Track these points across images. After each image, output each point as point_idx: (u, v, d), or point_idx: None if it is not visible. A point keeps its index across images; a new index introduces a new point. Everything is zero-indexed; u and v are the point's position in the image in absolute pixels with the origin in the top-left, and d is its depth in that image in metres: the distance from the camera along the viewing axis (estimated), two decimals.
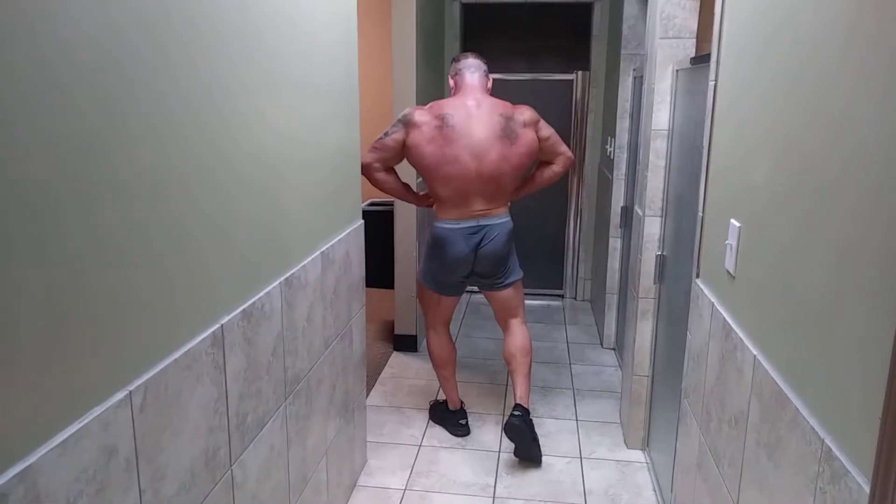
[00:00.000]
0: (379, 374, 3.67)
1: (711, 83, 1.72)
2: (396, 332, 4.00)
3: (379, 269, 3.95)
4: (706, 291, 1.69)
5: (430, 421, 3.17)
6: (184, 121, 1.23)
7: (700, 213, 1.78)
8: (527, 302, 4.87)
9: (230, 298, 1.46)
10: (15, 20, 0.83)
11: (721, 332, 1.54)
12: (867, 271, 0.90)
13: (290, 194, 1.79)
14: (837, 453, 0.93)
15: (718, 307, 1.57)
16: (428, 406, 3.29)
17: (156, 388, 1.16)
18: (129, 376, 1.10)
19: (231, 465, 1.48)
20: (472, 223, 2.79)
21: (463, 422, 3.08)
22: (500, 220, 2.83)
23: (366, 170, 2.74)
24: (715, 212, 1.66)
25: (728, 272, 1.51)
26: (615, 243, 3.94)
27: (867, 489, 0.84)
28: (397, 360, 3.87)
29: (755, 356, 1.30)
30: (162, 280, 1.19)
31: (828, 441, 0.97)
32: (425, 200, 2.99)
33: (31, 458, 0.88)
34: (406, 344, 3.98)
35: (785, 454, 1.12)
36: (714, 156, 1.69)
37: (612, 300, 4.01)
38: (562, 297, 5.09)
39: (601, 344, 4.14)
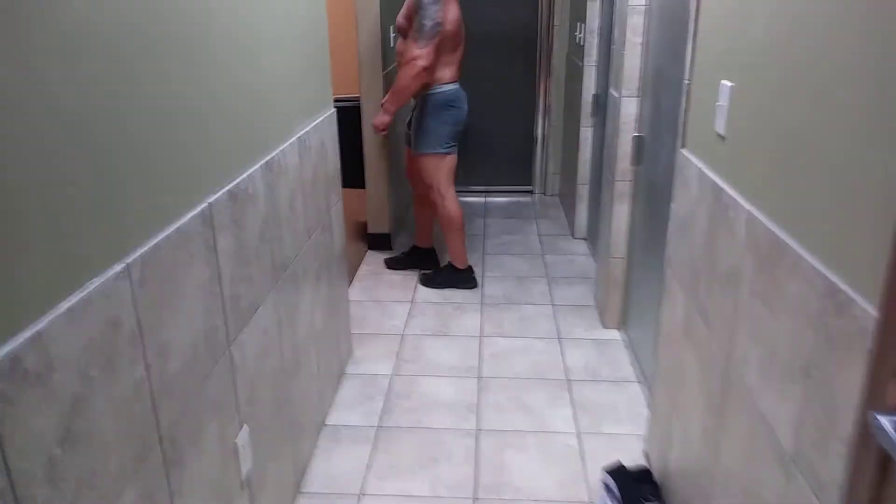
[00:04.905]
0: (356, 271, 3.68)
1: None
2: (370, 230, 3.97)
3: (347, 167, 3.87)
4: (693, 159, 1.69)
5: (437, 288, 3.42)
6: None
7: (686, 81, 1.76)
8: (497, 199, 4.92)
9: (216, 178, 1.42)
10: None
11: (710, 196, 1.55)
12: (865, 104, 0.90)
13: (265, 76, 1.72)
14: (842, 285, 0.96)
15: (707, 172, 1.58)
16: (425, 279, 3.51)
17: (152, 262, 1.13)
18: (125, 248, 1.07)
19: (229, 346, 1.48)
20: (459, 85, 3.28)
21: (473, 274, 3.44)
22: None
23: (426, 71, 3.07)
24: (703, 76, 1.64)
25: (718, 135, 1.51)
26: (586, 133, 3.92)
27: (874, 313, 0.87)
28: (373, 257, 3.87)
29: (748, 211, 1.32)
30: (150, 153, 1.13)
31: (831, 276, 0.99)
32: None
33: (40, 324, 0.85)
34: (380, 242, 3.97)
35: (783, 299, 1.16)
36: (703, 19, 1.65)
37: (583, 191, 4.03)
38: (531, 192, 5.10)
39: (572, 235, 4.20)
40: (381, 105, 3.31)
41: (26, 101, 0.83)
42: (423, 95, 3.20)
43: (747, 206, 1.33)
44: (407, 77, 3.06)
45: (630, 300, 2.89)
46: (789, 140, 1.17)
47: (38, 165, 0.85)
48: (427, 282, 3.50)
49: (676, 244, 1.85)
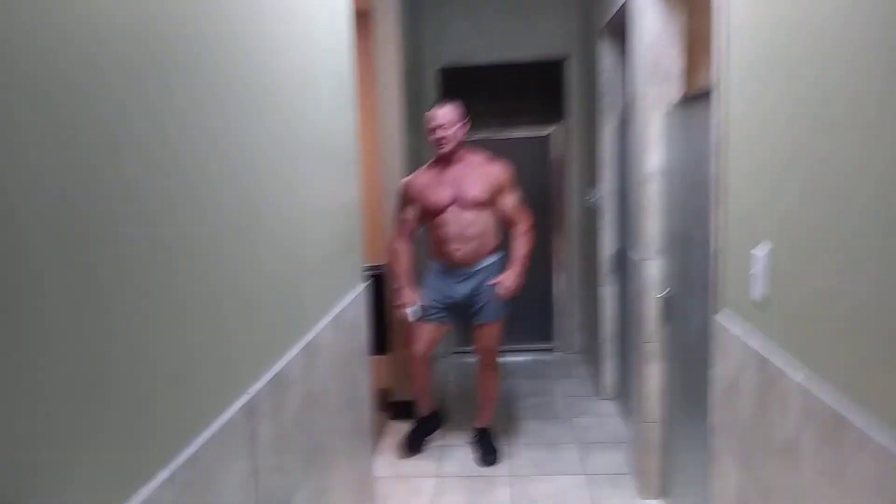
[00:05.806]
0: (378, 444, 3.56)
1: (717, 116, 1.75)
2: (393, 398, 3.90)
3: (370, 334, 3.87)
4: (729, 326, 1.69)
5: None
6: (223, 187, 1.21)
7: (713, 248, 1.79)
8: (517, 358, 4.86)
9: (260, 365, 1.42)
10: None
11: (754, 364, 1.53)
12: None
13: (309, 254, 1.77)
14: None
15: (747, 340, 1.57)
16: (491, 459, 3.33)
17: (195, 465, 1.10)
18: (171, 453, 1.04)
19: None
20: None
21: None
22: None
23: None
24: (734, 241, 1.67)
25: (755, 302, 1.51)
26: (606, 291, 3.95)
27: None
28: (396, 428, 3.76)
29: (799, 384, 1.29)
30: (202, 341, 1.14)
31: None
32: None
33: None
34: (404, 410, 3.88)
35: (854, 477, 1.10)
36: (729, 188, 1.71)
37: (607, 349, 3.99)
38: (552, 350, 5.05)
39: (600, 395, 4.10)
40: (512, 270, 3.27)
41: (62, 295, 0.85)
42: (491, 263, 3.28)
43: (798, 376, 1.30)
44: (532, 242, 3.32)
45: (671, 466, 2.76)
46: (837, 304, 1.17)
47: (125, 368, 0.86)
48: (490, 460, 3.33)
49: (722, 412, 1.79)
